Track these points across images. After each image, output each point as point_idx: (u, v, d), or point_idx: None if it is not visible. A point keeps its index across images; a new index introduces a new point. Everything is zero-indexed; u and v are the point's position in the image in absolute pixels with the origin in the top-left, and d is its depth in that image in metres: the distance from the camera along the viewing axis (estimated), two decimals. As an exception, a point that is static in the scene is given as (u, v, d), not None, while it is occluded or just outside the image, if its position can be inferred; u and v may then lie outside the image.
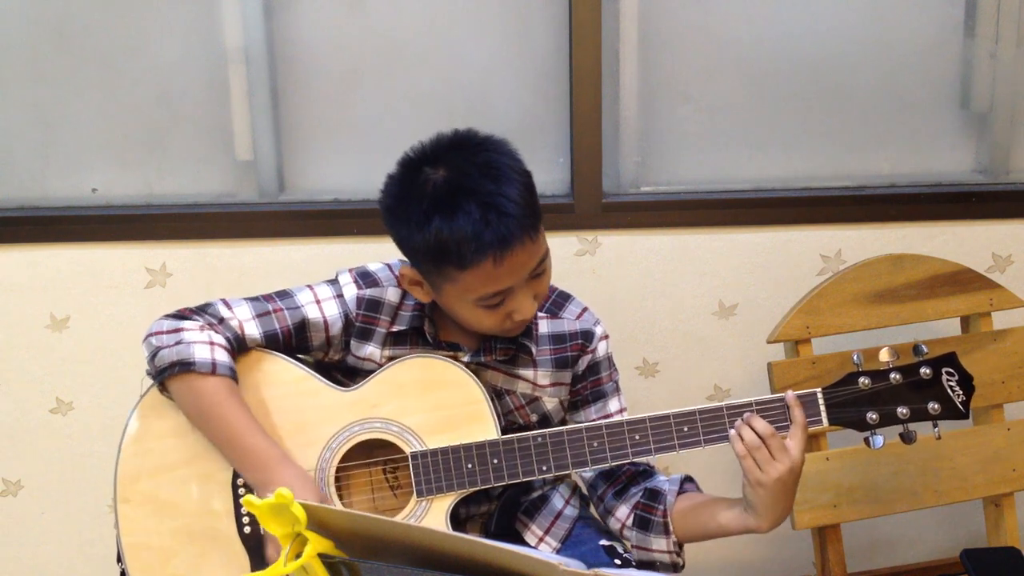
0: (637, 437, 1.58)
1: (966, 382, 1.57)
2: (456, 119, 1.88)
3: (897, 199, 2.30)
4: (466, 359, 1.63)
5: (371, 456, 1.65)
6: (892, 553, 2.52)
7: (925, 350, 1.57)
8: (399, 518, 1.59)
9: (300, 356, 1.67)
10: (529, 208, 1.51)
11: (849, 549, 2.09)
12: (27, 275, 2.25)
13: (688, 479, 1.72)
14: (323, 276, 1.71)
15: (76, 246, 2.24)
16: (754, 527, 1.58)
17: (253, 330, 1.62)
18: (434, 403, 1.61)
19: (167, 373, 1.57)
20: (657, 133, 2.32)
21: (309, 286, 1.67)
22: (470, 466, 1.59)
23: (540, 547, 1.73)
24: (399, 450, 1.61)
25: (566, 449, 1.59)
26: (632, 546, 1.70)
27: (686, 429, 1.57)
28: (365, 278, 1.67)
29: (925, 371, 1.56)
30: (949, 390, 1.57)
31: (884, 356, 1.55)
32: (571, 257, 2.27)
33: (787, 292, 2.26)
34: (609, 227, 2.26)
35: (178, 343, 1.57)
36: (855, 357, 1.57)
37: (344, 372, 1.69)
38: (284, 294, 1.66)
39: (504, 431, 1.60)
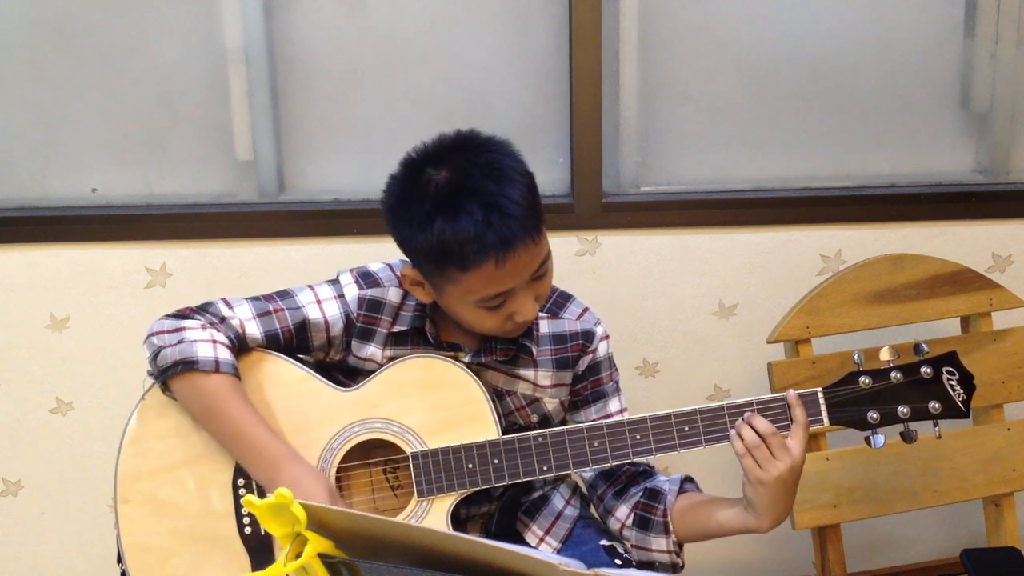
0: (638, 437, 1.58)
1: (967, 381, 1.57)
2: (456, 119, 1.87)
3: (897, 199, 2.30)
4: (467, 359, 1.63)
5: (372, 456, 1.65)
6: (892, 553, 2.52)
7: (926, 349, 1.57)
8: (400, 518, 1.59)
9: (301, 356, 1.67)
10: (531, 209, 1.51)
11: (849, 549, 2.09)
12: (27, 275, 2.25)
13: (688, 479, 1.72)
14: (323, 276, 1.70)
15: (76, 246, 2.24)
16: (754, 526, 1.58)
17: (254, 330, 1.62)
18: (435, 403, 1.61)
19: (170, 372, 1.57)
20: (657, 133, 2.32)
21: (310, 286, 1.67)
22: (471, 466, 1.59)
23: (541, 547, 1.73)
24: (400, 450, 1.61)
25: (567, 449, 1.59)
26: (632, 546, 1.70)
27: (687, 429, 1.57)
28: (366, 278, 1.67)
29: (926, 370, 1.56)
30: (950, 389, 1.57)
31: (885, 355, 1.55)
32: (571, 257, 2.27)
33: (787, 292, 2.26)
34: (609, 227, 2.26)
35: (180, 342, 1.57)
36: (856, 356, 1.57)
37: (345, 372, 1.69)
38: (285, 294, 1.66)
39: (505, 432, 1.60)
